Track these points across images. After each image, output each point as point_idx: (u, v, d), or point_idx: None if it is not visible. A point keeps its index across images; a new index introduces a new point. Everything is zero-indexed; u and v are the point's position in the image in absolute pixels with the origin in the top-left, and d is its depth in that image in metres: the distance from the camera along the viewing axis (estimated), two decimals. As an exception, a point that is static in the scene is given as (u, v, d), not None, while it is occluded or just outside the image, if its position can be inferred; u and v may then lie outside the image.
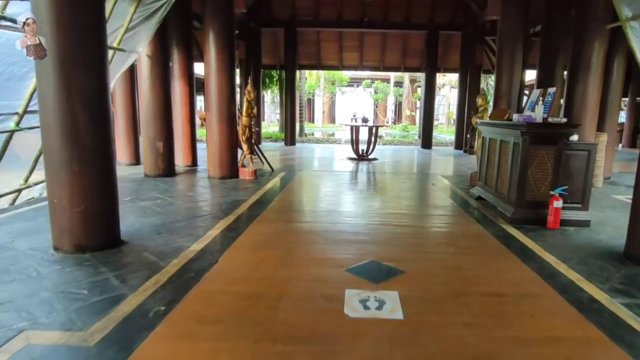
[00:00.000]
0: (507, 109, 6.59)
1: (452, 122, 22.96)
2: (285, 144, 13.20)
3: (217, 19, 6.25)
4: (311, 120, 32.48)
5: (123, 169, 7.13)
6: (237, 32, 7.14)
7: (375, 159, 9.78)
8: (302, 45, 13.88)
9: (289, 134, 13.20)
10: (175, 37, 7.43)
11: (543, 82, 6.72)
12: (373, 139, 9.79)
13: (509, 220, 4.20)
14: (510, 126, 4.39)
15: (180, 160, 7.68)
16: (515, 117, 4.47)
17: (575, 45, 6.01)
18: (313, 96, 29.35)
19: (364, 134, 10.11)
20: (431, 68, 12.85)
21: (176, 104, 7.44)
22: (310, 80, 27.17)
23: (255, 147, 7.31)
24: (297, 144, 13.65)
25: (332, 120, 33.87)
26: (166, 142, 6.67)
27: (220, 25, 6.24)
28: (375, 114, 31.46)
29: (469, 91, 12.04)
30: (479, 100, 6.35)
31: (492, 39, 11.24)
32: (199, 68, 7.96)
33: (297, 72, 18.48)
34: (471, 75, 12.10)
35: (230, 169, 6.64)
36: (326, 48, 14.09)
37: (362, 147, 9.93)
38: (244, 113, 6.72)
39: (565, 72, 6.48)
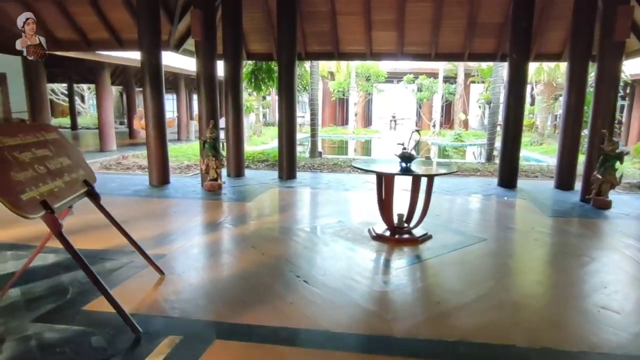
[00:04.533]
0: None
1: (535, 130, 16.85)
2: (280, 177, 8.22)
3: None
4: (343, 123, 27.41)
5: None
6: None
7: (425, 236, 4.60)
8: (308, 22, 8.80)
9: (286, 161, 8.21)
10: None
11: None
12: (423, 197, 4.62)
13: None
14: None
15: None
16: None
17: None
18: (344, 95, 24.11)
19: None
20: (520, 53, 7.48)
21: None
22: (339, 76, 22.07)
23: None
24: (304, 177, 8.62)
25: (368, 122, 28.55)
26: None
27: None
28: (419, 116, 25.86)
29: (598, 88, 6.67)
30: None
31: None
32: None
33: (306, 63, 13.49)
34: (604, 61, 6.65)
35: None
36: (346, 25, 8.91)
37: (396, 208, 4.76)
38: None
39: None
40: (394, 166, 4.59)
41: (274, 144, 9.53)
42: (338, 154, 15.19)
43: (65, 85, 22.28)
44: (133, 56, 11.06)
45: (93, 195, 3.40)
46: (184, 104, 18.17)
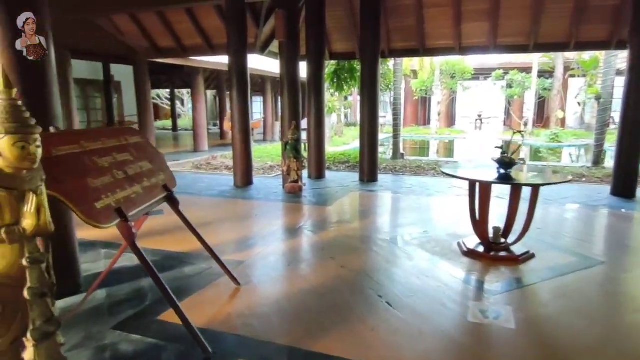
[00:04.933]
0: None
1: None
2: (361, 179, 7.79)
3: None
4: (425, 123, 26.26)
5: None
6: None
7: (527, 254, 3.90)
8: (393, 17, 8.25)
9: (367, 163, 7.76)
10: None
11: None
12: (523, 207, 3.92)
13: None
14: None
15: None
16: None
17: None
18: (427, 94, 23.00)
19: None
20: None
21: None
22: (422, 74, 21.05)
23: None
24: (385, 180, 8.11)
25: (452, 122, 27.07)
26: None
27: None
28: (508, 115, 23.90)
29: None
30: None
31: None
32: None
33: (390, 62, 12.84)
34: None
35: None
36: (433, 18, 8.22)
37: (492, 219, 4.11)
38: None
39: None
40: (489, 172, 3.95)
41: (355, 144, 9.14)
42: (420, 155, 14.37)
43: (168, 90, 23.77)
44: (225, 61, 11.35)
45: (172, 201, 3.22)
46: (270, 106, 18.44)
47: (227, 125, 16.27)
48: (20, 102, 1.72)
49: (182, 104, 32.08)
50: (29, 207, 1.70)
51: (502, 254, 3.90)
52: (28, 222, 1.70)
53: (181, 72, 15.24)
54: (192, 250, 4.23)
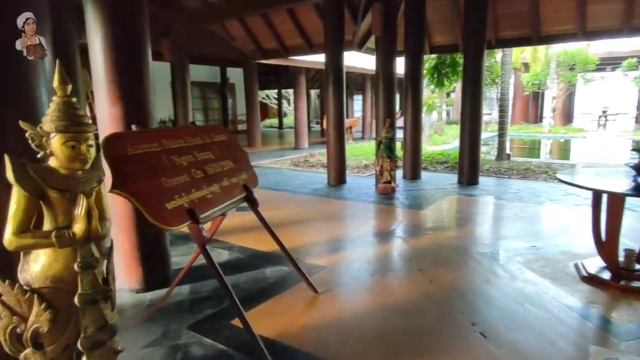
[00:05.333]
0: None
1: None
2: (460, 182, 7.05)
3: None
4: (537, 120, 23.65)
5: None
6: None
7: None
8: (501, 2, 7.30)
9: (467, 164, 6.99)
10: None
11: None
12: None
13: None
14: None
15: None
16: None
17: None
18: (539, 88, 20.61)
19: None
20: None
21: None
22: (534, 66, 18.85)
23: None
24: (488, 183, 7.27)
25: (568, 119, 24.00)
26: None
27: None
28: (641, 110, 20.41)
29: None
30: None
31: None
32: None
33: (497, 55, 11.54)
34: None
35: None
36: (551, 0, 7.06)
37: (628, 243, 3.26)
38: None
39: None
40: (619, 180, 3.12)
41: (456, 143, 8.32)
42: (529, 156, 12.76)
43: (276, 90, 24.65)
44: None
45: (251, 201, 3.02)
46: (369, 104, 18.03)
47: (326, 123, 16.22)
48: (74, 100, 1.58)
49: (289, 103, 33.17)
50: (79, 211, 1.56)
51: (637, 284, 3.05)
52: (78, 227, 1.56)
53: (287, 72, 15.62)
54: (277, 250, 4.05)
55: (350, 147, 12.94)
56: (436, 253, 3.95)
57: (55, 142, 1.52)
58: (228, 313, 2.95)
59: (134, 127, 2.59)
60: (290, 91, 30.56)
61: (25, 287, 1.57)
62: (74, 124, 1.54)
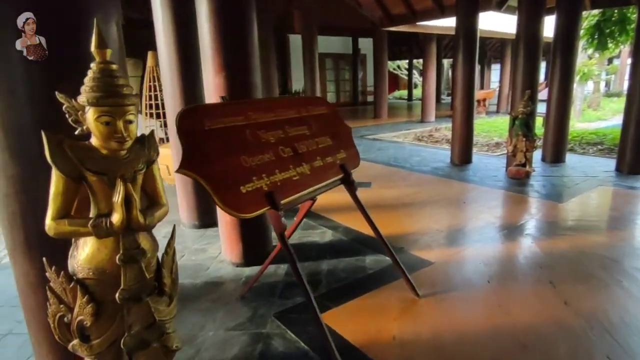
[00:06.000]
0: None
1: None
2: (619, 169, 5.58)
3: None
4: None
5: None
6: None
7: None
8: None
9: (632, 147, 5.46)
10: None
11: None
12: None
13: None
14: None
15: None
16: None
17: None
18: None
19: None
20: None
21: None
22: None
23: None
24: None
25: None
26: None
27: None
28: None
29: None
30: None
31: None
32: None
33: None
34: None
35: None
36: None
37: None
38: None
39: None
40: None
41: (617, 121, 6.51)
42: None
43: (407, 60, 23.31)
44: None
45: (349, 184, 2.57)
46: (508, 73, 15.74)
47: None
48: (115, 66, 1.29)
49: (420, 74, 31.27)
50: (117, 197, 1.29)
51: None
52: (115, 216, 1.30)
53: (418, 41, 14.44)
54: (385, 235, 3.59)
55: (482, 121, 11.47)
56: (576, 263, 3.01)
57: (90, 116, 1.26)
58: (318, 304, 2.61)
59: (221, 99, 2.32)
60: (422, 61, 28.73)
61: (71, 276, 1.38)
62: (108, 94, 1.25)
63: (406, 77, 26.43)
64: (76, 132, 1.30)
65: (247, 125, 2.19)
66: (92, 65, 1.28)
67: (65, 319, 1.41)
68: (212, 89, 3.06)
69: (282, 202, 2.06)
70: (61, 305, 1.40)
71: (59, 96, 1.27)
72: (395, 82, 27.35)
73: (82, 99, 1.25)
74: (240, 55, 3.04)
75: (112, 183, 1.32)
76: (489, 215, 4.11)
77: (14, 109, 1.56)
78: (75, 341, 1.41)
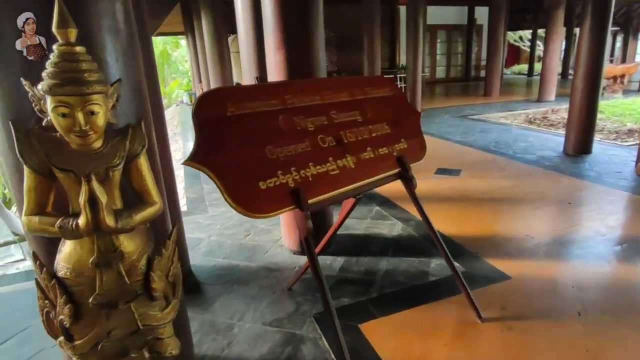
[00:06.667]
0: None
1: None
2: None
3: None
4: None
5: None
6: None
7: None
8: None
9: None
10: None
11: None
12: None
13: None
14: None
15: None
16: None
17: None
18: None
19: None
20: None
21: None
22: None
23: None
24: None
25: None
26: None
27: None
28: None
29: None
30: None
31: None
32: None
33: None
34: None
35: None
36: None
37: None
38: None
39: None
40: None
41: None
42: None
43: (531, 31, 20.39)
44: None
45: (406, 180, 2.16)
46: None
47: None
48: (79, 49, 1.09)
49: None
50: (80, 198, 1.13)
51: None
52: (81, 218, 1.14)
53: (544, 8, 12.37)
54: (460, 236, 3.10)
55: (615, 103, 9.46)
56: None
57: (48, 106, 1.09)
58: (363, 310, 2.33)
59: (256, 80, 2.06)
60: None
61: (52, 273, 1.29)
62: (65, 82, 1.06)
63: (528, 50, 23.25)
64: (43, 123, 1.15)
65: (281, 110, 1.90)
66: (55, 46, 1.10)
67: (51, 315, 1.33)
68: (273, 66, 2.83)
69: (311, 201, 1.76)
70: (46, 301, 1.32)
71: (24, 83, 1.12)
72: (515, 55, 24.31)
73: (40, 86, 1.09)
74: (301, 31, 2.74)
75: (80, 180, 1.16)
76: (600, 224, 3.24)
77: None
78: (61, 338, 1.34)
